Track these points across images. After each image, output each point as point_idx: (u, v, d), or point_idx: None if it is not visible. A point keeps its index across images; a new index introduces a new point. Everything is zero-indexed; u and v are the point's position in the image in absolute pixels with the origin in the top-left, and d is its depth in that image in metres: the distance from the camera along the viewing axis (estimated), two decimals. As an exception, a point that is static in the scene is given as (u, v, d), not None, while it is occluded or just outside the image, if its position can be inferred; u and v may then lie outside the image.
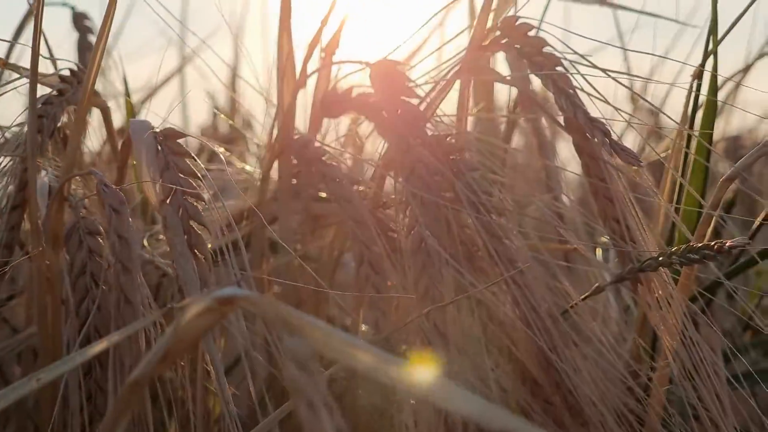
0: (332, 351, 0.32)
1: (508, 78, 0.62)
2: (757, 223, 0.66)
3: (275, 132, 0.66)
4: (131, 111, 0.77)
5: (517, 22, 0.60)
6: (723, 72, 0.75)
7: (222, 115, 1.19)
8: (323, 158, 0.64)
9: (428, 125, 0.61)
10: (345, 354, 0.32)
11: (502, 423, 0.29)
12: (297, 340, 0.33)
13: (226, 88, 1.12)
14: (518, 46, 0.59)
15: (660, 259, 0.52)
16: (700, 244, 0.50)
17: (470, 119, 0.85)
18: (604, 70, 0.56)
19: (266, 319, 0.33)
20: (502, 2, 0.69)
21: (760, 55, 0.87)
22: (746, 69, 0.94)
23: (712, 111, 0.61)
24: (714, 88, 0.61)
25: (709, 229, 0.55)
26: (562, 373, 0.57)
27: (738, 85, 1.02)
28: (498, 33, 0.60)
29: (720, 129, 1.19)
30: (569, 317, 0.59)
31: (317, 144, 0.64)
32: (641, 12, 0.68)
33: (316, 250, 0.72)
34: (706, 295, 0.65)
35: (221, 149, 0.71)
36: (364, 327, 0.64)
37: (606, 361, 0.58)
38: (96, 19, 0.90)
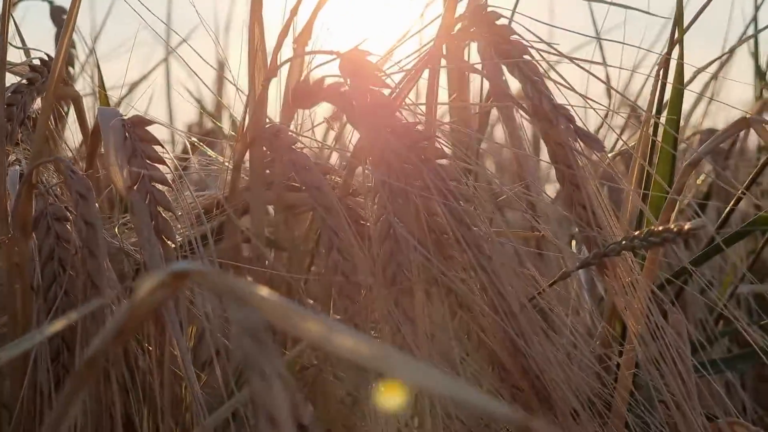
0: (282, 321, 0.32)
1: (476, 66, 0.62)
2: (727, 210, 0.66)
3: (247, 122, 0.66)
4: (107, 104, 0.77)
5: (485, 11, 0.60)
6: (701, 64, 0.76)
7: (203, 111, 1.19)
8: (294, 147, 0.64)
9: (398, 114, 0.61)
10: (295, 324, 0.32)
11: (452, 392, 0.30)
12: (247, 310, 0.33)
13: (207, 86, 1.12)
14: (486, 35, 0.60)
15: (623, 243, 0.52)
16: (661, 228, 0.50)
17: (446, 108, 0.86)
18: (570, 59, 0.57)
19: (218, 293, 0.33)
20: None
21: (731, 51, 0.88)
22: (721, 61, 0.95)
23: (678, 99, 0.61)
24: (680, 77, 0.61)
25: (674, 214, 0.55)
26: (529, 359, 0.58)
27: (714, 76, 1.03)
28: (466, 21, 0.61)
29: (698, 123, 1.20)
30: (538, 304, 0.59)
31: (288, 133, 0.64)
32: (614, 3, 0.68)
33: (290, 240, 0.72)
34: (676, 283, 0.66)
35: (195, 140, 0.71)
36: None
37: (574, 347, 0.59)
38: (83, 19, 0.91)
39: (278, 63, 0.64)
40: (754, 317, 0.88)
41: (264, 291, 0.33)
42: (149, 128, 0.57)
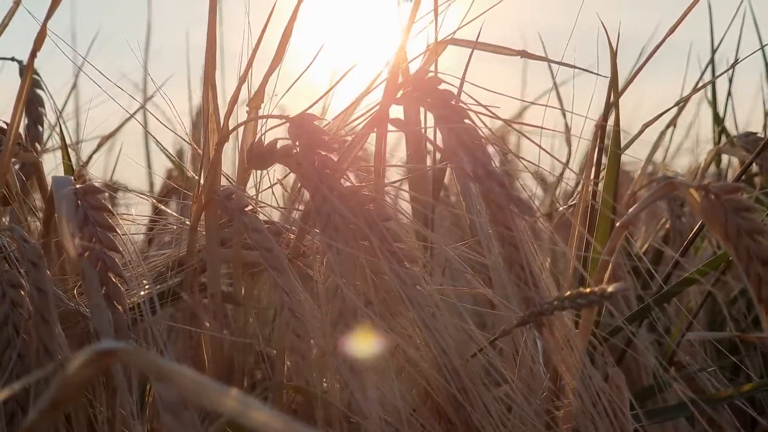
0: (198, 396, 0.35)
1: (419, 129, 0.65)
2: (666, 273, 0.69)
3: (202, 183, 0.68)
4: (69, 166, 0.79)
5: (427, 76, 0.63)
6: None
7: (174, 162, 1.21)
8: (246, 209, 0.66)
9: (344, 177, 0.64)
10: (210, 399, 0.34)
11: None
12: (166, 387, 0.36)
13: (179, 136, 1.14)
14: (428, 100, 0.62)
15: (554, 303, 0.54)
16: (588, 290, 0.52)
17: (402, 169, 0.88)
18: (506, 121, 0.59)
19: (142, 370, 0.35)
20: (430, 55, 0.72)
21: (684, 100, 0.90)
22: (679, 107, 0.97)
23: (615, 162, 0.64)
24: (617, 141, 0.64)
25: (607, 273, 0.57)
26: (470, 413, 0.60)
27: (672, 123, 1.05)
28: (409, 86, 0.63)
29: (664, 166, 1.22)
30: (482, 359, 0.61)
31: (240, 195, 0.67)
32: (561, 63, 0.71)
33: (248, 296, 0.74)
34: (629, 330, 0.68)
35: (154, 201, 0.73)
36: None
37: (515, 401, 0.61)
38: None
39: (229, 127, 0.67)
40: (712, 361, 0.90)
41: (181, 368, 0.35)
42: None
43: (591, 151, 0.65)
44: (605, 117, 0.64)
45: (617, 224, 0.57)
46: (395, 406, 0.63)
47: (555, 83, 0.89)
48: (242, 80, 0.65)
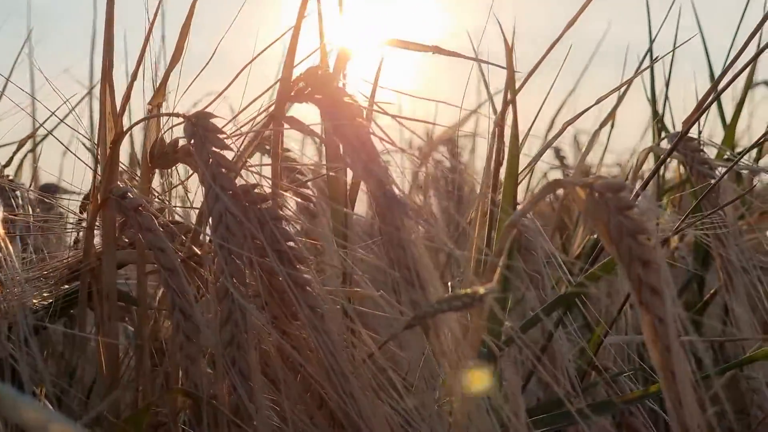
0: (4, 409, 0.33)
1: (308, 128, 0.63)
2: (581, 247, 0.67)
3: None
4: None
5: (321, 73, 0.61)
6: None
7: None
8: (140, 208, 0.65)
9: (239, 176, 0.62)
10: (16, 413, 0.33)
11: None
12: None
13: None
14: (319, 96, 0.61)
15: (434, 306, 0.53)
16: (462, 292, 0.51)
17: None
18: (393, 116, 0.58)
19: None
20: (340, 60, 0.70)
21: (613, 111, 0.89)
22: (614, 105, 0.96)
23: (514, 162, 0.62)
24: (515, 143, 0.62)
25: (496, 274, 0.56)
26: (356, 417, 0.58)
27: (605, 123, 1.03)
28: (303, 83, 0.62)
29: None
30: (372, 363, 0.60)
31: (133, 195, 0.65)
32: (470, 58, 0.69)
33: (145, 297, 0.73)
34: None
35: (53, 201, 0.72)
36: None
37: (402, 405, 0.59)
38: None
39: (123, 127, 0.65)
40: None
41: None
42: None
43: (489, 151, 0.64)
44: (502, 117, 0.62)
45: (505, 224, 0.56)
46: (286, 410, 0.61)
47: (486, 83, 0.87)
48: (134, 76, 0.63)
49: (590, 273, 0.65)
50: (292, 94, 0.63)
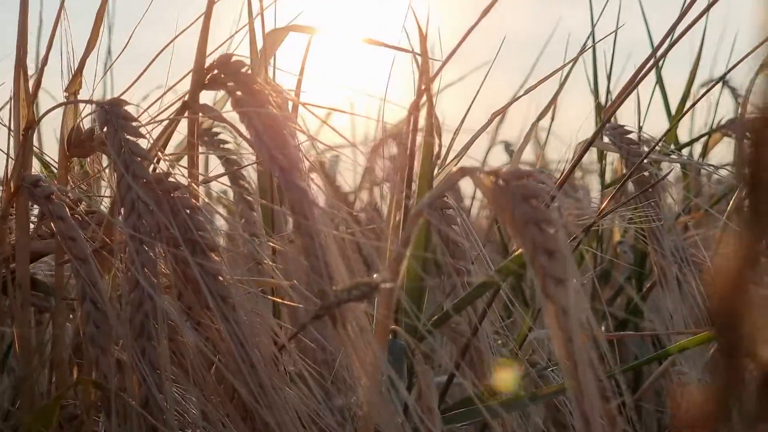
0: None
1: (219, 115, 0.62)
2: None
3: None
4: None
5: (232, 59, 0.61)
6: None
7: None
8: (52, 197, 0.64)
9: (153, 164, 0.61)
10: None
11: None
12: None
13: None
14: (230, 84, 0.60)
15: (337, 295, 0.52)
16: (362, 281, 0.50)
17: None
18: (304, 104, 0.57)
19: None
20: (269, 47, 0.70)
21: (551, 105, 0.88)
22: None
23: (429, 155, 0.62)
24: (430, 131, 0.62)
25: (403, 264, 0.55)
26: (265, 409, 0.58)
27: (543, 115, 1.03)
28: (216, 70, 0.61)
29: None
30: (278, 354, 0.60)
31: (45, 183, 0.64)
32: (396, 48, 0.69)
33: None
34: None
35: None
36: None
37: (313, 397, 0.59)
38: None
39: (35, 114, 0.64)
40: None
41: None
42: None
43: (403, 143, 0.63)
44: (416, 106, 0.61)
45: (411, 213, 0.55)
46: (195, 402, 0.61)
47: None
48: (43, 62, 0.63)
49: (503, 265, 0.64)
50: (206, 81, 0.62)
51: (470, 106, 0.86)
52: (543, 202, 0.52)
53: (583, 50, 0.99)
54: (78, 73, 0.67)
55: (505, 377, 0.67)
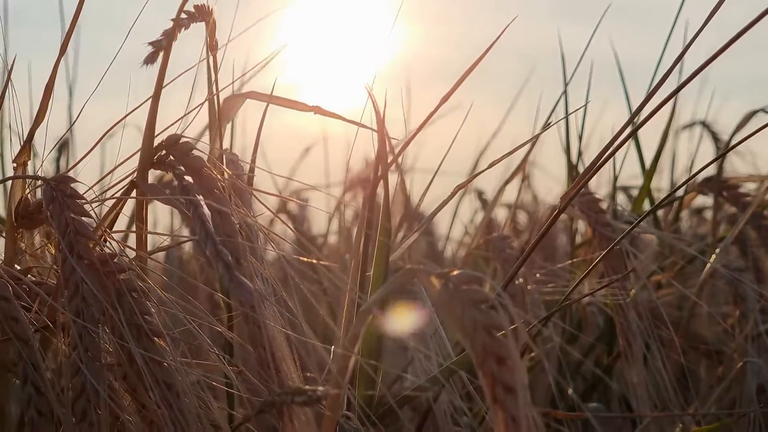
0: None
1: (168, 198, 0.61)
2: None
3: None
4: None
5: (180, 141, 0.59)
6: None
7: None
8: (-4, 273, 0.62)
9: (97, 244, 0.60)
10: None
11: None
12: None
13: None
14: (180, 167, 0.59)
15: (281, 396, 0.51)
16: (306, 387, 0.49)
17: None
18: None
19: None
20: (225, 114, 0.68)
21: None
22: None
23: (386, 240, 0.60)
24: (387, 213, 0.60)
25: (351, 361, 0.54)
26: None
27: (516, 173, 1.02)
28: (164, 151, 0.60)
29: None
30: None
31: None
32: (349, 121, 0.67)
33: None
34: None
35: None
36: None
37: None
38: None
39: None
40: None
41: None
42: None
43: (358, 229, 0.61)
44: (373, 191, 0.60)
45: (360, 311, 0.53)
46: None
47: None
48: None
49: (447, 366, 0.63)
50: (154, 161, 0.60)
51: (449, 149, 0.85)
52: (492, 306, 0.51)
53: (567, 111, 0.98)
54: (26, 145, 0.65)
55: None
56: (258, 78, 0.82)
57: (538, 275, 0.93)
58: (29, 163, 0.67)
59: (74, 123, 0.64)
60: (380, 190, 0.63)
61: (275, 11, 0.84)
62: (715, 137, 1.44)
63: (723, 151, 1.34)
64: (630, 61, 1.24)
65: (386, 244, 0.60)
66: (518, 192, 1.13)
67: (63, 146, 1.35)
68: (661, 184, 1.53)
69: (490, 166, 0.87)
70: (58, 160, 1.37)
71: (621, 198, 1.54)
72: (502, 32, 0.72)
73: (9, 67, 0.64)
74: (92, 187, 0.62)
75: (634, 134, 1.11)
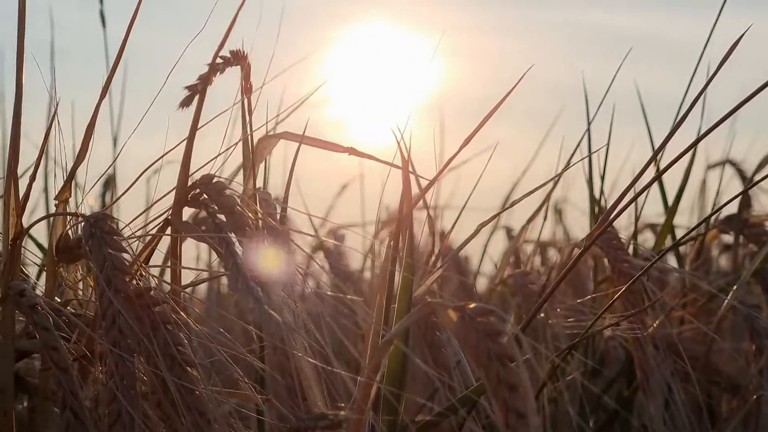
0: None
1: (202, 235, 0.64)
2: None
3: None
4: None
5: (213, 181, 0.62)
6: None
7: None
8: (36, 306, 0.65)
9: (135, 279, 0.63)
10: None
11: None
12: None
13: None
14: (214, 206, 0.62)
15: (304, 422, 0.54)
16: (329, 413, 0.52)
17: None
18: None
19: None
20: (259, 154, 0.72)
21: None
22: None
23: (410, 277, 0.63)
24: (410, 251, 0.63)
25: (372, 393, 0.56)
26: None
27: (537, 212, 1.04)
28: (198, 190, 0.63)
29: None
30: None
31: (29, 293, 0.66)
32: (388, 164, 0.70)
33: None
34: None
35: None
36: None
37: None
38: None
39: (23, 225, 0.66)
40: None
41: None
42: None
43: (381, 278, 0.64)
44: (398, 231, 0.63)
45: (381, 343, 0.56)
46: None
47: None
48: (31, 179, 0.64)
49: (462, 398, 0.66)
50: (188, 199, 0.64)
51: (475, 186, 0.88)
52: (506, 338, 0.54)
53: (590, 150, 1.01)
54: (67, 183, 0.69)
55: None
56: (298, 113, 0.84)
57: (558, 310, 0.95)
58: (71, 198, 0.70)
59: (116, 159, 0.67)
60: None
61: (314, 52, 0.86)
62: (742, 175, 1.46)
63: (745, 187, 1.35)
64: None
65: (410, 279, 0.63)
66: (541, 228, 1.16)
67: (108, 181, 1.38)
68: (692, 222, 1.54)
69: (512, 204, 0.90)
70: (103, 195, 1.41)
71: (649, 235, 1.56)
72: (523, 75, 0.75)
73: (55, 104, 0.67)
74: (130, 223, 0.65)
75: (658, 179, 1.13)
